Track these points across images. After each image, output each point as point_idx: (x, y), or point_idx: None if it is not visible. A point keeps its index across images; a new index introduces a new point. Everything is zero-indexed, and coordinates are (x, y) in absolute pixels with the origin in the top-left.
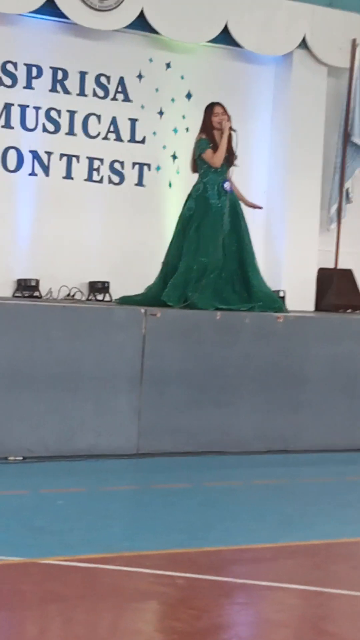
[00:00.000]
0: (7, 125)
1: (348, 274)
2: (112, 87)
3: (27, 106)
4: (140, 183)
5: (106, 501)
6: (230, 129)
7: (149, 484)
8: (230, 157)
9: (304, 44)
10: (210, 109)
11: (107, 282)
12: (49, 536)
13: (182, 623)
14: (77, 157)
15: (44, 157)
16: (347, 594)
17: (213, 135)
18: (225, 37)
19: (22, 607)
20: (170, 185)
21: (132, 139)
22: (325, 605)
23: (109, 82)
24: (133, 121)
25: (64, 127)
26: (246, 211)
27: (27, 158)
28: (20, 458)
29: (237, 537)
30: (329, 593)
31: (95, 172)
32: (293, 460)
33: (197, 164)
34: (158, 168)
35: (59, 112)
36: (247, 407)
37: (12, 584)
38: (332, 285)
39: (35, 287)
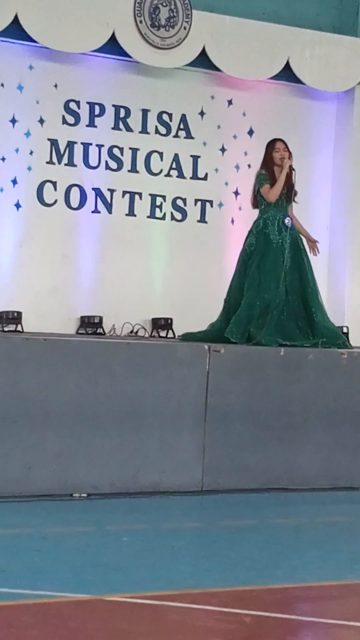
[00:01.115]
0: (70, 163)
1: None
2: (174, 125)
3: (90, 144)
4: (202, 220)
5: (171, 538)
6: (290, 167)
7: (214, 521)
8: (289, 193)
9: None
10: (272, 144)
11: (170, 319)
12: (115, 573)
13: None
14: (140, 194)
15: (107, 195)
16: None
17: (273, 171)
18: (286, 74)
19: None
20: (232, 221)
21: (195, 176)
22: None
23: (171, 120)
24: (195, 158)
25: (127, 164)
26: None
27: (90, 196)
28: (85, 495)
29: (303, 574)
30: None
31: (157, 209)
32: (359, 497)
33: (257, 199)
34: (220, 205)
35: (121, 149)
36: (312, 443)
37: (78, 621)
38: None
39: (99, 324)
